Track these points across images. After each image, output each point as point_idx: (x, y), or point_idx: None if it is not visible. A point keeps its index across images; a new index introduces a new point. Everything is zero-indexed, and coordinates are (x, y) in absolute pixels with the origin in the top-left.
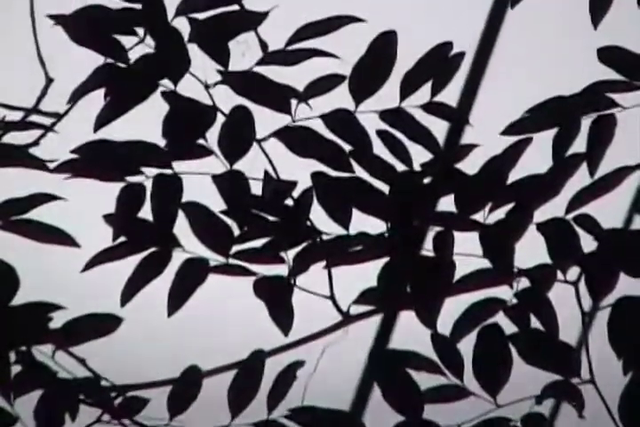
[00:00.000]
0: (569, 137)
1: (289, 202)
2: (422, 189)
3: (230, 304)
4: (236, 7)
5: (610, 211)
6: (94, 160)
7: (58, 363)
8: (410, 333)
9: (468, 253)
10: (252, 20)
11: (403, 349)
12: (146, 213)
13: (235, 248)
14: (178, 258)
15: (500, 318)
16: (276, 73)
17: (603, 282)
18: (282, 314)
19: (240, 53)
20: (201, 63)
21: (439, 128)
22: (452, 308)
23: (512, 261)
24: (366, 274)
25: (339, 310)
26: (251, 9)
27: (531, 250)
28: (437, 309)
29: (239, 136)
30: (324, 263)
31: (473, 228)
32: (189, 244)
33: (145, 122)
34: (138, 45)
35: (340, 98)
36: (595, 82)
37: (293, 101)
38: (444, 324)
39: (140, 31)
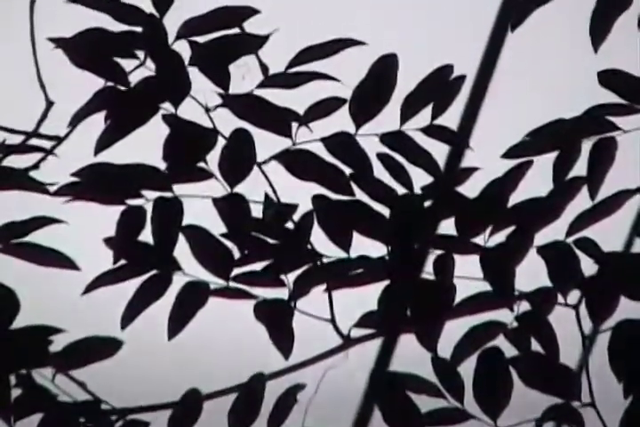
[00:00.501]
0: (569, 160)
1: (289, 225)
2: (423, 212)
3: (230, 327)
4: (236, 30)
5: (610, 234)
6: (94, 183)
7: (58, 386)
8: (410, 356)
9: (468, 276)
10: (253, 44)
11: (403, 372)
12: (146, 236)
13: (235, 271)
14: (178, 281)
15: (501, 341)
16: (276, 95)
17: (603, 305)
18: (282, 337)
19: (240, 76)
20: (201, 86)
21: (439, 151)
22: (453, 331)
23: (512, 284)
24: (367, 297)
25: (339, 333)
26: (251, 32)
27: (531, 273)
28: (438, 332)
29: (240, 159)
30: (324, 286)
31: (473, 251)
32: (190, 267)
33: (145, 144)
34: (138, 68)
35: (341, 120)
36: (595, 105)
37: (294, 124)
38: (445, 347)
39: (141, 54)
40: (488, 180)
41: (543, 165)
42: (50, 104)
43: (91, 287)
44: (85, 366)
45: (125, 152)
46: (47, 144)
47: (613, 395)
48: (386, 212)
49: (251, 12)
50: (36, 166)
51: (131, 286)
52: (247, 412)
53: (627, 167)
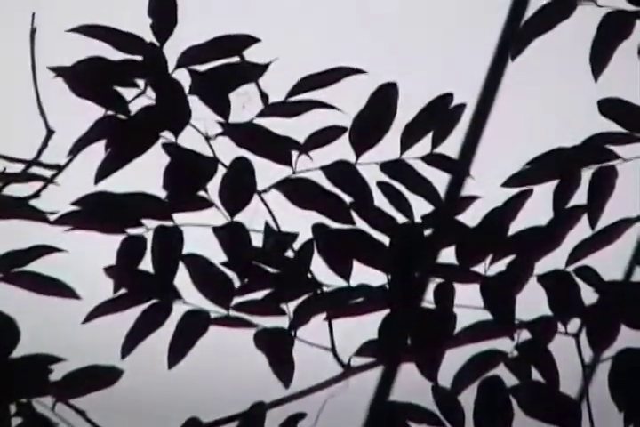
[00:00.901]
0: (569, 189)
1: (290, 254)
2: (423, 241)
3: (230, 355)
4: (236, 59)
5: (610, 263)
6: (95, 212)
7: (58, 415)
8: (411, 385)
9: (468, 304)
10: (253, 72)
11: (403, 401)
12: (146, 264)
13: (235, 300)
14: (178, 310)
15: (501, 370)
16: (276, 123)
17: (604, 334)
18: (282, 366)
19: (241, 105)
20: (202, 114)
21: (440, 179)
22: (453, 360)
23: (513, 312)
24: (367, 325)
25: (339, 362)
26: (251, 61)
27: (531, 302)
28: (438, 361)
29: (240, 188)
30: (324, 315)
31: (474, 279)
32: (190, 295)
33: (145, 173)
34: (139, 97)
35: (341, 148)
36: (595, 134)
37: (294, 153)
38: (445, 376)
39: (141, 83)
40: (488, 208)
41: (543, 193)
42: (50, 133)
43: (91, 316)
44: (85, 395)
45: (125, 181)
46: (47, 173)
47: (614, 424)
48: (386, 240)
49: (251, 40)
50: (36, 195)
51: (131, 315)
52: None
53: (627, 196)
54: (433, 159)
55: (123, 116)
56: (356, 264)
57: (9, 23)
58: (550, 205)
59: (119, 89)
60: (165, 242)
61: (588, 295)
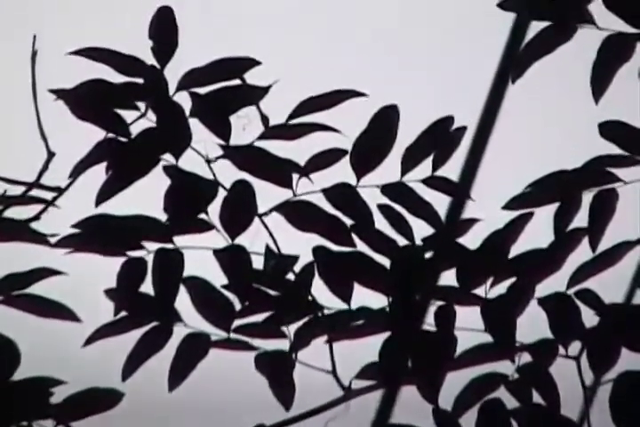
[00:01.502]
0: (570, 212)
1: (290, 276)
2: (423, 264)
3: (231, 378)
4: (237, 81)
5: (611, 285)
6: (95, 235)
7: None
8: (412, 407)
9: (469, 327)
10: (254, 95)
11: (404, 424)
12: (147, 287)
13: (236, 323)
14: (179, 332)
15: (502, 393)
16: (277, 145)
17: (604, 357)
18: (283, 389)
19: (241, 127)
20: (202, 137)
21: (440, 201)
22: (454, 382)
23: (513, 335)
24: (368, 348)
25: (340, 384)
26: (252, 83)
27: (532, 325)
28: (439, 383)
29: (240, 211)
30: (325, 338)
31: (474, 302)
32: (190, 317)
33: (146, 196)
34: (139, 119)
35: (342, 170)
36: (596, 156)
37: (295, 175)
38: (446, 398)
39: (142, 105)
40: (489, 230)
41: (544, 216)
42: (51, 155)
43: (91, 339)
44: (86, 418)
45: (126, 203)
46: (48, 195)
47: None
48: (387, 263)
49: (252, 63)
50: (36, 218)
51: (131, 338)
52: None
53: (627, 218)
54: (433, 182)
55: (123, 139)
56: (356, 287)
57: (9, 45)
58: (551, 227)
59: (120, 111)
60: (166, 264)
61: (589, 318)
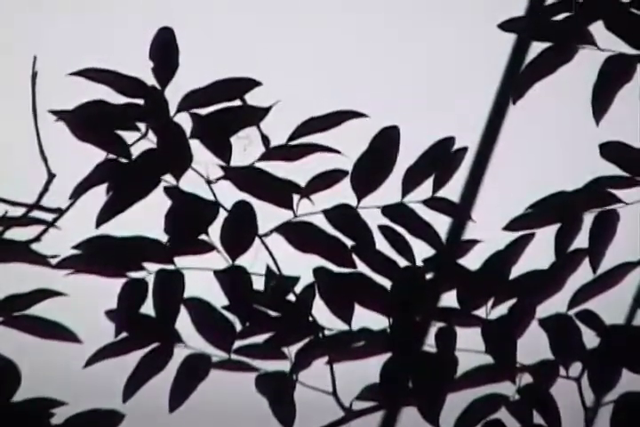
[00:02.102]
0: (571, 233)
1: (291, 297)
2: (424, 285)
3: (231, 399)
4: (237, 102)
5: (612, 306)
6: (96, 256)
7: None
8: None
9: (470, 348)
10: (254, 116)
11: None
12: (148, 308)
13: (237, 344)
14: (180, 353)
15: (503, 414)
16: (278, 165)
17: (605, 378)
18: (284, 410)
19: (242, 148)
20: (203, 158)
21: (441, 222)
22: (455, 403)
23: (514, 356)
24: (368, 369)
25: (341, 405)
26: (253, 104)
27: (533, 346)
28: (440, 405)
29: (241, 232)
30: (326, 359)
31: (475, 323)
32: (191, 338)
33: (147, 216)
34: (140, 141)
35: (342, 190)
36: (597, 177)
37: (295, 196)
38: (447, 419)
39: (142, 126)
40: (490, 251)
41: (545, 237)
42: (51, 176)
43: (92, 360)
44: None
45: (127, 224)
46: (49, 216)
47: None
48: (387, 284)
49: (252, 84)
50: (37, 239)
51: (132, 358)
52: None
53: (628, 239)
54: (434, 203)
55: (124, 160)
56: (357, 307)
57: (10, 66)
58: (552, 248)
59: (120, 132)
60: (167, 285)
61: (590, 339)
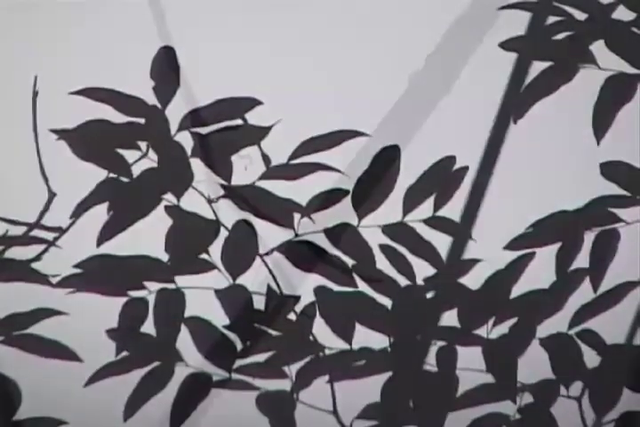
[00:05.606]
0: (572, 252)
1: (292, 316)
2: (425, 304)
3: (232, 418)
4: (239, 121)
5: (613, 326)
6: (97, 275)
7: None
8: None
9: (470, 367)
10: (255, 135)
11: None
12: (149, 327)
13: (237, 363)
14: (180, 372)
15: None
16: (279, 183)
17: (606, 398)
18: None
19: (243, 167)
20: (204, 177)
21: (442, 241)
22: (456, 423)
23: (515, 375)
24: (369, 387)
25: (342, 424)
26: (254, 123)
27: (534, 365)
28: (440, 424)
29: (242, 251)
30: (327, 377)
31: (476, 342)
32: (191, 357)
33: (148, 236)
34: (141, 160)
35: (343, 209)
36: (598, 197)
37: (296, 215)
38: None
39: (143, 145)
40: (491, 271)
41: (546, 256)
42: (52, 195)
43: (93, 379)
44: None
45: (128, 243)
46: (49, 235)
47: None
48: (388, 303)
49: (253, 103)
50: (38, 258)
51: (133, 377)
52: None
53: (629, 258)
54: (435, 222)
55: (125, 179)
56: (358, 327)
57: (10, 85)
58: (553, 267)
59: (121, 151)
60: (167, 305)
61: (591, 358)
